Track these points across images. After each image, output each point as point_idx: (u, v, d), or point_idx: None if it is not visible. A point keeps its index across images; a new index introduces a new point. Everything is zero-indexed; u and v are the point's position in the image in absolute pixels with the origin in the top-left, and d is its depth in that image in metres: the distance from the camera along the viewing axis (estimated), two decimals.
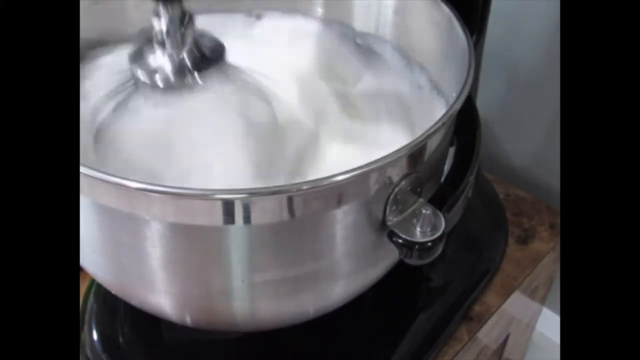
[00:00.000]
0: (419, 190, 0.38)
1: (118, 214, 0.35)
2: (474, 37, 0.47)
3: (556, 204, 0.64)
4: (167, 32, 0.39)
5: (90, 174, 0.33)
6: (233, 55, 0.41)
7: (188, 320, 0.41)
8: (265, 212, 0.34)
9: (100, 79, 0.43)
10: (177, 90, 0.39)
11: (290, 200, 0.34)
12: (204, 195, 0.33)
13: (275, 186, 0.33)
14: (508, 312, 0.58)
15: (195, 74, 0.40)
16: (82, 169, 0.33)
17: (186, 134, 0.39)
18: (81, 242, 0.38)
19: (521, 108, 0.68)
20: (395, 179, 0.36)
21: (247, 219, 0.34)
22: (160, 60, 0.39)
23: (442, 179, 0.42)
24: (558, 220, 0.63)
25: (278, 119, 0.42)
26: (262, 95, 0.42)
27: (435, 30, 0.46)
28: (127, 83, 0.41)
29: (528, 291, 0.62)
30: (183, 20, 0.39)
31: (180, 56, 0.39)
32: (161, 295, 0.39)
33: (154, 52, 0.40)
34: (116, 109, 0.40)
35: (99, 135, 0.40)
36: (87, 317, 0.52)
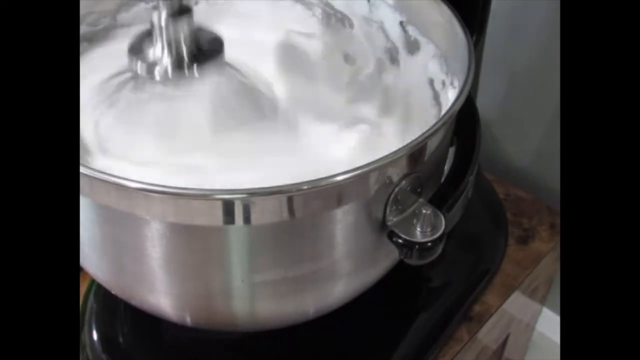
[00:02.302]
0: (419, 190, 0.38)
1: (118, 214, 0.35)
2: (474, 37, 0.47)
3: (556, 204, 0.64)
4: (166, 25, 0.39)
5: (90, 174, 0.33)
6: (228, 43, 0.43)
7: (188, 320, 0.41)
8: (265, 212, 0.34)
9: (98, 63, 0.45)
10: (174, 83, 0.40)
11: (290, 200, 0.34)
12: (204, 196, 0.33)
13: (275, 186, 0.33)
14: (508, 312, 0.58)
15: (193, 67, 0.40)
16: (82, 169, 0.33)
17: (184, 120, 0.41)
18: (81, 242, 0.38)
19: (521, 108, 0.68)
20: (396, 179, 0.36)
21: (247, 219, 0.34)
22: (159, 53, 0.40)
23: (442, 179, 0.42)
24: (558, 220, 0.63)
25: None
26: (253, 90, 0.44)
27: (435, 30, 0.46)
28: (123, 74, 0.42)
29: (528, 291, 0.62)
30: (182, 14, 0.39)
31: (179, 50, 0.40)
32: (161, 295, 0.39)
33: (152, 45, 0.40)
34: (114, 100, 0.42)
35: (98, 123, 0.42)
36: (87, 317, 0.52)
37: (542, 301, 0.71)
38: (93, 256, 0.40)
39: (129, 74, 0.42)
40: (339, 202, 0.35)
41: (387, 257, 0.40)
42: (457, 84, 0.43)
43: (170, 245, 0.36)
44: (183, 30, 0.39)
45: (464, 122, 0.43)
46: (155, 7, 0.39)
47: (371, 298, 0.43)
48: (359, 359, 0.50)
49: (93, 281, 0.54)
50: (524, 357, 0.76)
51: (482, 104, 0.50)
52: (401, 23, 0.49)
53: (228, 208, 0.33)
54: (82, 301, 0.53)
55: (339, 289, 0.40)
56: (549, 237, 0.61)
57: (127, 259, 0.38)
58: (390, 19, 0.49)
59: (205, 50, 0.41)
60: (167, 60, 0.40)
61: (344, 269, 0.39)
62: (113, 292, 0.43)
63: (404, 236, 0.36)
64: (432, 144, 0.37)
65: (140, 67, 0.40)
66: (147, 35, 0.40)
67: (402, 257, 0.37)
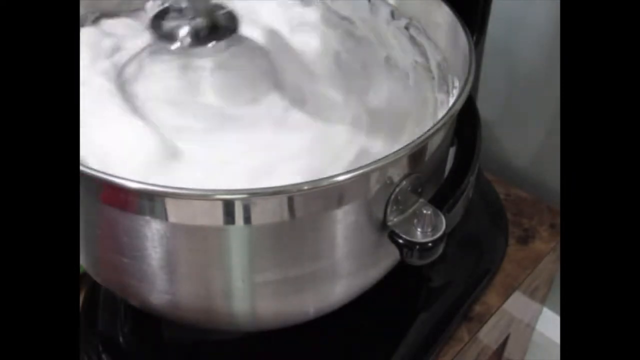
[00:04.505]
0: (419, 190, 0.38)
1: (118, 214, 0.35)
2: (475, 37, 0.47)
3: (556, 204, 0.64)
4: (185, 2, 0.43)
5: (91, 174, 0.33)
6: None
7: (188, 321, 0.41)
8: (266, 212, 0.34)
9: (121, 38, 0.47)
10: (190, 55, 0.43)
11: (290, 200, 0.34)
12: (204, 196, 0.33)
13: (275, 186, 0.33)
14: (508, 312, 0.58)
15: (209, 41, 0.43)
16: (82, 169, 0.33)
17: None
18: (81, 242, 0.38)
19: (521, 108, 0.68)
20: (396, 179, 0.36)
21: (247, 219, 0.34)
22: (176, 27, 0.43)
23: (443, 179, 0.42)
24: (558, 220, 0.63)
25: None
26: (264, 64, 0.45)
27: (436, 30, 0.46)
28: (145, 47, 0.45)
29: (528, 291, 0.62)
30: None
31: (195, 25, 0.42)
32: (161, 295, 0.39)
33: (171, 20, 0.43)
34: (139, 68, 0.45)
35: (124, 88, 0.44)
36: (87, 317, 0.52)
37: (542, 301, 0.71)
38: (93, 256, 0.40)
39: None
40: (340, 202, 0.35)
41: (388, 258, 0.40)
42: (458, 84, 0.43)
43: (170, 245, 0.36)
44: (200, 5, 0.42)
45: (464, 122, 0.43)
46: None
47: (371, 298, 0.43)
48: (359, 359, 0.50)
49: (94, 281, 0.54)
50: (524, 357, 0.76)
51: (482, 104, 0.50)
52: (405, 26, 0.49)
53: (228, 208, 0.33)
54: (82, 301, 0.53)
55: (340, 289, 0.40)
56: (549, 237, 0.61)
57: (127, 259, 0.38)
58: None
59: (221, 26, 0.43)
60: (184, 33, 0.42)
61: (344, 269, 0.39)
62: (113, 292, 0.43)
63: (404, 236, 0.36)
64: (433, 144, 0.37)
65: (159, 39, 0.43)
66: (166, 12, 0.44)
67: (402, 257, 0.37)
